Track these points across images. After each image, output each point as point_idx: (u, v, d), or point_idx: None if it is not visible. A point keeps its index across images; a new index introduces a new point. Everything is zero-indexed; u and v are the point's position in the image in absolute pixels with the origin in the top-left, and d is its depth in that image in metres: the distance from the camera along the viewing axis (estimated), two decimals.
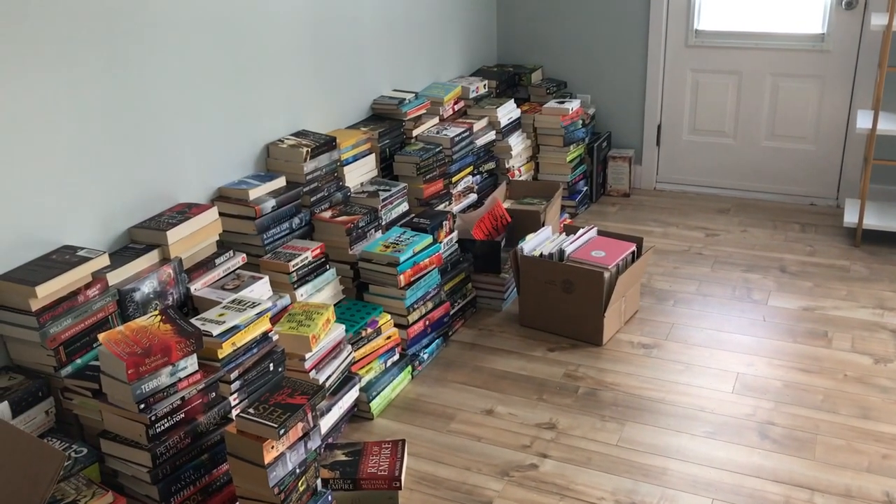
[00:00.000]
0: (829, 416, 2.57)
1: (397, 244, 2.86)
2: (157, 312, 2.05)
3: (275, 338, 2.28)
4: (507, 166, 4.01)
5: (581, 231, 3.21)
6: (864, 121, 3.67)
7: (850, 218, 3.79)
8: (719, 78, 4.31)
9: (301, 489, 1.96)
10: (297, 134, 3.03)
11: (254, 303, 2.25)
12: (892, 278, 3.44)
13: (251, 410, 1.88)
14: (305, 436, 1.95)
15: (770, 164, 4.34)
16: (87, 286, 2.10)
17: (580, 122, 4.23)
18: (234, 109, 2.76)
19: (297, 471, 1.93)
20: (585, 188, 4.37)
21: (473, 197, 3.77)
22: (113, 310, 2.17)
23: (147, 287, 2.27)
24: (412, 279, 2.84)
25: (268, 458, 1.84)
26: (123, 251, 2.33)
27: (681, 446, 2.46)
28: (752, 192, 4.42)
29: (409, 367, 2.85)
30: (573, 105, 4.18)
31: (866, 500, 2.20)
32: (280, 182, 2.80)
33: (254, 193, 2.67)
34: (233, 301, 2.27)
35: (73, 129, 2.19)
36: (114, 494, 1.84)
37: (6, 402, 1.95)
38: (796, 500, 2.21)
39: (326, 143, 2.96)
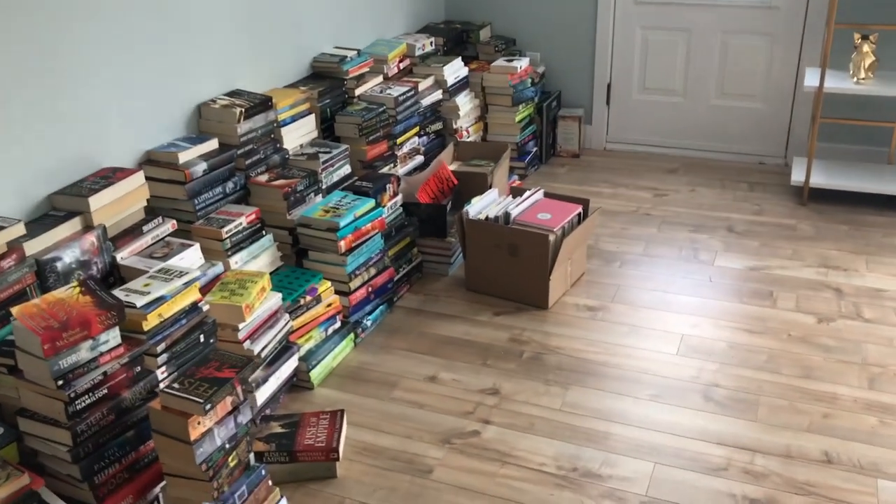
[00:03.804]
0: (772, 376, 2.57)
1: (338, 209, 2.77)
2: (76, 284, 1.95)
3: (205, 308, 2.19)
4: (454, 127, 3.92)
5: (527, 193, 3.15)
6: (811, 79, 3.65)
7: (797, 177, 3.78)
8: (669, 35, 4.25)
9: (232, 465, 1.89)
10: (231, 94, 2.90)
11: (181, 272, 2.16)
12: (837, 237, 3.45)
13: (176, 385, 1.80)
14: (235, 410, 1.87)
15: (719, 122, 4.32)
16: (2, 257, 1.98)
17: (529, 80, 4.15)
18: (162, 68, 2.63)
19: (227, 446, 1.86)
20: (535, 149, 4.31)
21: (420, 159, 3.68)
22: (31, 281, 2.05)
23: (69, 257, 2.16)
24: (353, 245, 2.76)
25: (194, 435, 1.76)
26: (43, 219, 2.21)
27: (624, 410, 2.44)
28: (702, 151, 4.39)
29: (352, 335, 2.78)
30: (522, 63, 4.09)
31: (805, 460, 2.21)
32: (212, 144, 2.68)
33: (183, 157, 2.55)
34: (159, 270, 2.17)
35: None
36: (30, 475, 1.76)
37: None
38: (738, 462, 2.21)
39: (262, 103, 2.84)
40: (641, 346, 2.75)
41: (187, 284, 2.12)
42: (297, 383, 2.58)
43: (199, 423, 1.77)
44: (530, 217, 2.99)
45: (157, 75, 2.61)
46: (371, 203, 2.85)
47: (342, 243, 2.70)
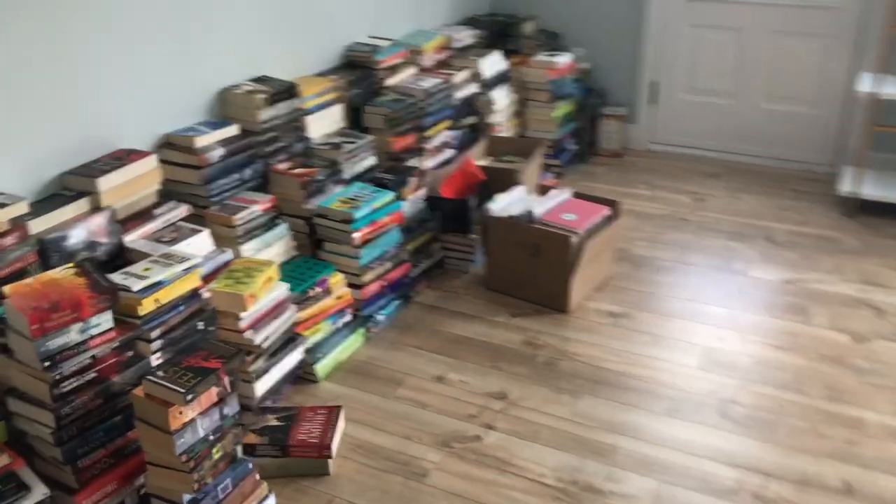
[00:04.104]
0: (796, 396, 2.43)
1: (355, 200, 2.72)
2: (72, 265, 1.94)
3: (206, 295, 2.16)
4: (488, 121, 3.83)
5: (553, 192, 3.05)
6: (866, 84, 3.46)
7: (845, 186, 3.60)
8: (719, 34, 4.09)
9: (216, 457, 1.85)
10: (257, 80, 2.87)
11: (184, 257, 2.13)
12: (884, 252, 3.26)
13: (160, 373, 1.78)
14: (221, 401, 1.84)
15: (768, 126, 4.14)
16: (3, 234, 1.98)
17: (570, 77, 4.04)
18: (185, 51, 2.61)
19: (211, 438, 1.83)
20: (574, 147, 4.19)
21: (451, 153, 3.60)
22: (33, 260, 2.05)
23: (75, 237, 2.15)
24: (369, 237, 2.71)
25: (174, 425, 1.73)
26: (51, 198, 2.21)
27: (636, 423, 2.33)
28: (747, 155, 4.22)
29: (363, 329, 2.73)
30: (563, 59, 3.98)
31: (822, 488, 2.08)
32: (232, 130, 2.65)
33: (201, 141, 2.53)
34: (162, 255, 2.15)
35: None
36: (10, 455, 1.75)
37: None
38: (748, 486, 2.09)
39: (286, 90, 2.81)
40: (662, 356, 2.63)
41: (187, 270, 2.09)
42: (303, 375, 2.54)
43: (180, 413, 1.74)
44: (554, 217, 2.89)
45: (180, 59, 2.59)
46: (390, 195, 2.79)
47: (357, 235, 2.65)
